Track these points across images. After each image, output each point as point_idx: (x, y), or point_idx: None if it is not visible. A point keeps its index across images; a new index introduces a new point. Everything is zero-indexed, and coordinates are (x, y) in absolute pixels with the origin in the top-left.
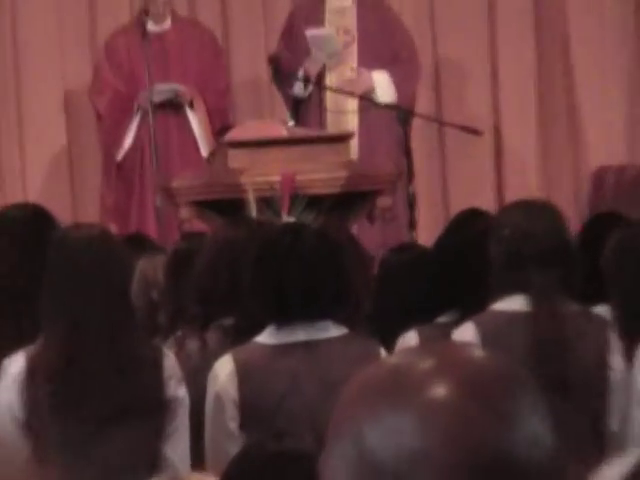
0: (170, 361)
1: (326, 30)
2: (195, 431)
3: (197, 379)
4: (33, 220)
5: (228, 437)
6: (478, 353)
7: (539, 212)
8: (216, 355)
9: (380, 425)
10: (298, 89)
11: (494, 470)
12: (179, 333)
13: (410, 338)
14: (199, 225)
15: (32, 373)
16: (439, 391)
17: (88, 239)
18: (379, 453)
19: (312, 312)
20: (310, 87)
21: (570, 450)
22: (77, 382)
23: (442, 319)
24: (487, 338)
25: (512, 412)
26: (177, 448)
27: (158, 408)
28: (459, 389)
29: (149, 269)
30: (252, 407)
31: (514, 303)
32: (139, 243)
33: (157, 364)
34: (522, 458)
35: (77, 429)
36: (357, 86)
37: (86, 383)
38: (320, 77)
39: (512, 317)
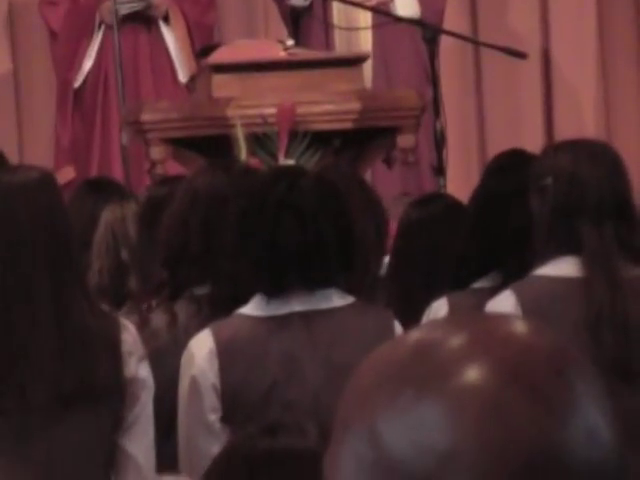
0: (130, 335)
1: None
2: (165, 424)
3: (165, 361)
4: None
5: (207, 432)
6: (521, 328)
7: (593, 156)
8: (187, 332)
9: (400, 417)
10: None
11: (539, 473)
12: (144, 306)
13: (439, 308)
14: (175, 168)
15: None
16: (472, 375)
17: (23, 185)
18: (398, 451)
19: (311, 278)
20: None
21: (634, 447)
22: (9, 363)
23: (478, 284)
24: (530, 310)
25: (563, 402)
26: (139, 442)
27: (114, 392)
28: (497, 373)
29: (117, 221)
30: (237, 395)
31: (563, 267)
32: (103, 189)
33: (113, 338)
34: (575, 458)
35: (12, 421)
36: None
37: (21, 364)
38: None
39: (561, 284)
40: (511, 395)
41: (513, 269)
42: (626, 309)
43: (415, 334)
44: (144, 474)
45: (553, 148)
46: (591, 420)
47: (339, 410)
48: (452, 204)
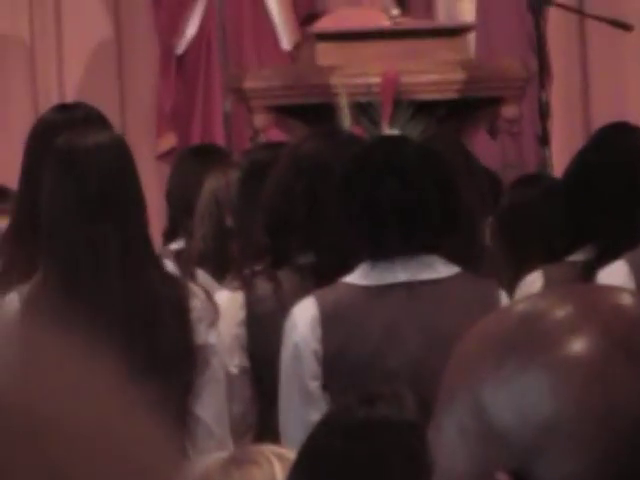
0: (199, 301)
1: None
2: (269, 391)
3: (271, 327)
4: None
5: (307, 399)
6: (627, 299)
7: None
8: (292, 300)
9: (504, 387)
10: None
11: None
12: (246, 271)
13: (534, 280)
14: (277, 136)
15: (26, 315)
16: (578, 346)
17: (95, 148)
18: (501, 421)
19: (414, 245)
20: None
21: None
22: (78, 328)
23: (572, 257)
24: None
25: None
26: (210, 406)
27: (184, 358)
28: (604, 344)
29: (220, 188)
30: (338, 363)
31: None
32: (208, 156)
33: (182, 305)
34: None
35: None
36: None
37: (90, 330)
38: None
39: None
40: (616, 365)
41: (608, 242)
42: None
43: (521, 305)
44: (216, 438)
45: None
46: None
47: (443, 380)
48: (553, 184)
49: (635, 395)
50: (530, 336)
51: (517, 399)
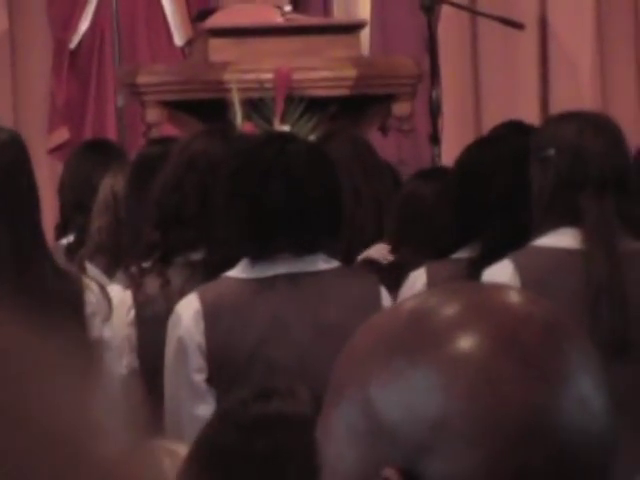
0: (93, 296)
1: None
2: (156, 393)
3: (160, 326)
4: None
5: (192, 392)
6: (516, 297)
7: (596, 128)
8: (182, 297)
9: (393, 384)
10: None
11: (531, 439)
12: (134, 269)
13: (418, 277)
14: (170, 131)
15: None
16: (465, 344)
17: None
18: (390, 418)
19: (299, 243)
20: None
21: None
22: None
23: (457, 255)
24: (528, 279)
25: (556, 371)
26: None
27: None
28: (491, 341)
29: (117, 182)
30: (222, 355)
31: (562, 239)
32: (101, 152)
33: (76, 300)
34: (566, 426)
35: None
36: None
37: None
38: None
39: (560, 255)
40: (504, 363)
41: (492, 241)
42: (624, 283)
43: (410, 302)
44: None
45: (556, 119)
46: (583, 390)
47: (333, 376)
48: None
49: (522, 392)
50: (419, 334)
51: (406, 397)
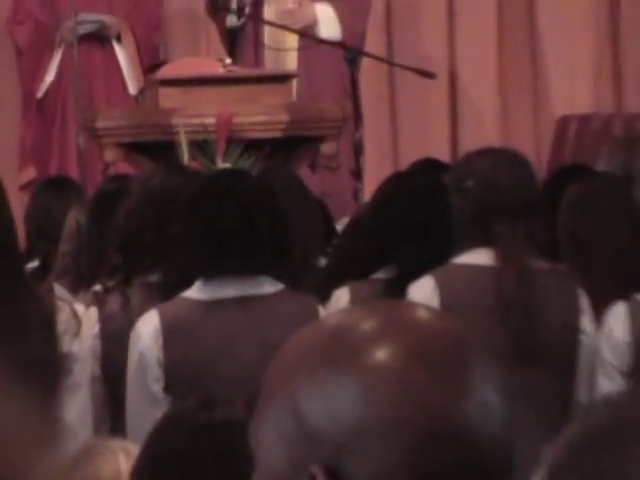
0: (64, 315)
1: None
2: (117, 401)
3: (121, 343)
4: None
5: (151, 401)
6: (427, 314)
7: (506, 161)
8: (140, 315)
9: (317, 392)
10: (231, 21)
11: (441, 442)
12: (97, 287)
13: (341, 295)
14: (125, 169)
15: None
16: (382, 355)
17: None
18: (315, 423)
19: (248, 266)
20: (244, 17)
21: (538, 420)
22: None
23: (376, 275)
24: (447, 294)
25: (462, 379)
26: (73, 408)
27: (51, 369)
28: (404, 353)
29: (81, 215)
30: (179, 369)
31: (478, 257)
32: (61, 186)
33: (49, 320)
34: (472, 429)
35: None
36: (297, 19)
37: None
38: (257, 7)
39: (476, 271)
40: (416, 373)
41: (407, 263)
42: (531, 297)
43: (333, 318)
44: (79, 439)
45: (473, 154)
46: (486, 396)
47: (264, 385)
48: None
49: (432, 398)
50: (340, 346)
51: (329, 403)
